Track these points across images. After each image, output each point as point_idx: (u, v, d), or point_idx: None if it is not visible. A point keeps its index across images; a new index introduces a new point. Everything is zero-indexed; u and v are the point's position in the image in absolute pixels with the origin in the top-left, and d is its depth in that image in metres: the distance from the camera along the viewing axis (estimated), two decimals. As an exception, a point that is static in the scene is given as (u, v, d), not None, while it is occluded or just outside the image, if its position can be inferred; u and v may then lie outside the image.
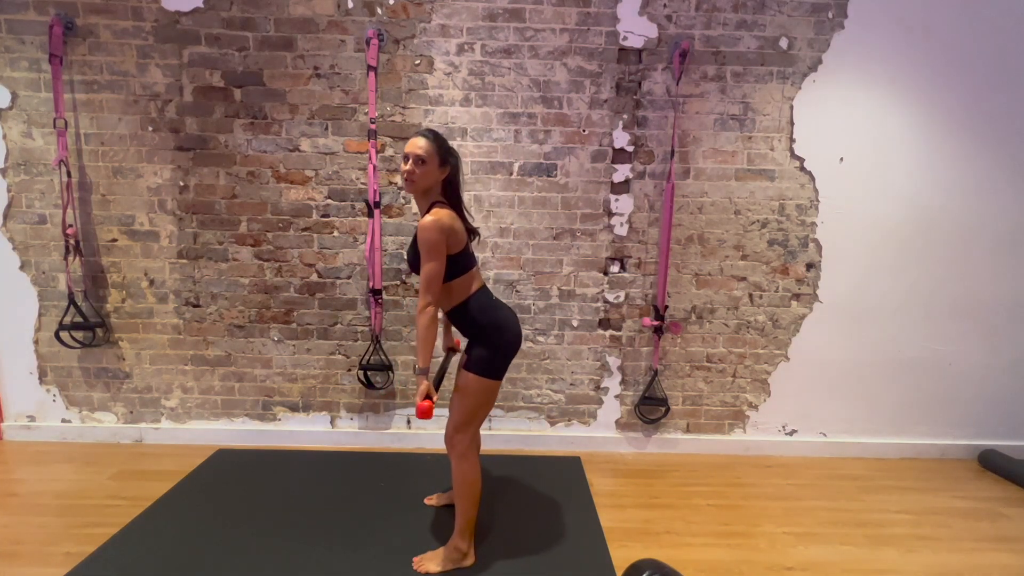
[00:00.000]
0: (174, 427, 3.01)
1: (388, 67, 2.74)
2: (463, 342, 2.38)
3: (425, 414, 1.78)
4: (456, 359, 2.25)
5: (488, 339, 1.91)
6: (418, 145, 1.82)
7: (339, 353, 2.97)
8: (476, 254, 2.85)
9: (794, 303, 2.96)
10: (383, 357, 2.91)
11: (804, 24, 2.74)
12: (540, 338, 2.96)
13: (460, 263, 1.89)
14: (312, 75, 2.74)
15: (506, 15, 2.71)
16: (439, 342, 2.34)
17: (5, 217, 2.81)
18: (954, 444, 3.07)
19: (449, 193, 1.94)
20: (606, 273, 2.93)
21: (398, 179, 2.83)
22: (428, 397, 1.82)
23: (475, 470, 1.94)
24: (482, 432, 2.89)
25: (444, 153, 1.87)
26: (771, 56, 2.76)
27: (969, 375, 3.02)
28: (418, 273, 1.87)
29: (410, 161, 1.83)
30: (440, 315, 2.09)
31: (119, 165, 2.79)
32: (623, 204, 2.87)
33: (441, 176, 1.89)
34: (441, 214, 1.81)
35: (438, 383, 1.97)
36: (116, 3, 2.67)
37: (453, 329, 2.32)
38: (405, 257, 1.99)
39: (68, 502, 2.40)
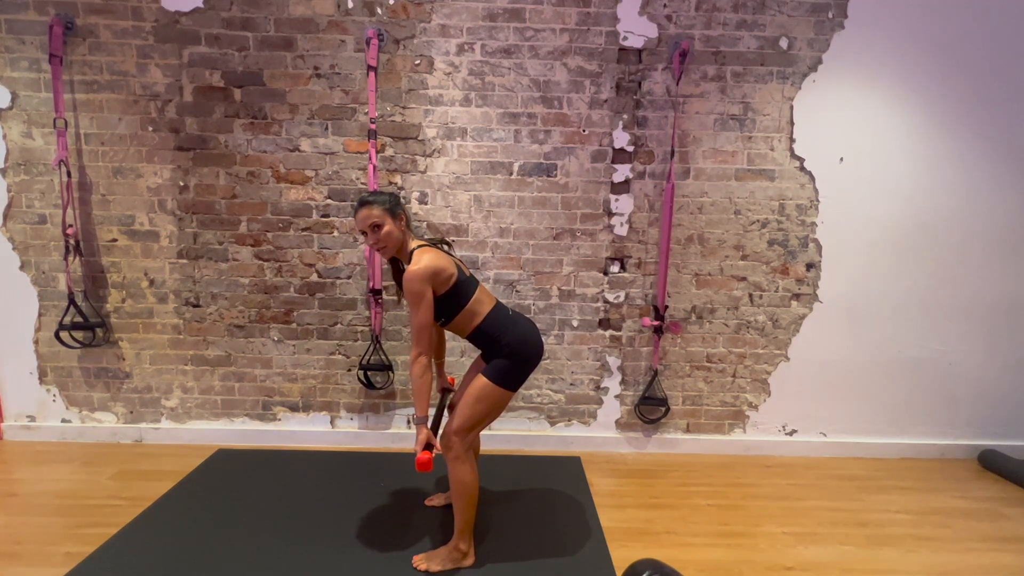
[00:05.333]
0: (174, 427, 3.01)
1: (388, 67, 2.74)
2: (457, 380, 2.38)
3: (425, 467, 1.77)
4: (452, 398, 2.24)
5: (511, 353, 1.92)
6: (369, 214, 1.84)
7: (339, 353, 2.97)
8: (476, 255, 2.88)
9: (794, 303, 2.96)
10: (383, 357, 2.91)
11: (804, 24, 2.74)
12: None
13: (458, 296, 1.89)
14: (312, 75, 2.74)
15: (506, 15, 2.71)
16: (434, 384, 2.31)
17: (5, 217, 2.81)
18: (954, 444, 3.07)
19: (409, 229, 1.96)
20: (606, 273, 2.93)
21: (399, 179, 2.83)
22: (427, 447, 1.81)
23: (471, 472, 1.94)
24: (482, 432, 2.90)
25: (392, 206, 1.87)
26: (771, 56, 2.76)
27: (969, 375, 3.02)
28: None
29: (369, 234, 1.86)
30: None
31: (119, 165, 2.79)
32: (623, 204, 2.87)
33: (402, 226, 1.89)
34: (422, 259, 1.81)
35: (435, 427, 1.96)
36: (116, 3, 2.67)
37: (445, 369, 2.34)
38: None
39: (68, 502, 2.40)
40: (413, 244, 1.90)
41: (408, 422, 3.03)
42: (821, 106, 2.79)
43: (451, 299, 1.88)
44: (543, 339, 2.94)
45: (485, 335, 1.94)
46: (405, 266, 1.88)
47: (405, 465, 2.77)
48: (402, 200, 1.92)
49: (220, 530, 2.20)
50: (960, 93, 2.79)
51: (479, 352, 2.07)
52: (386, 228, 1.85)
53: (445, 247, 2.00)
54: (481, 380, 1.91)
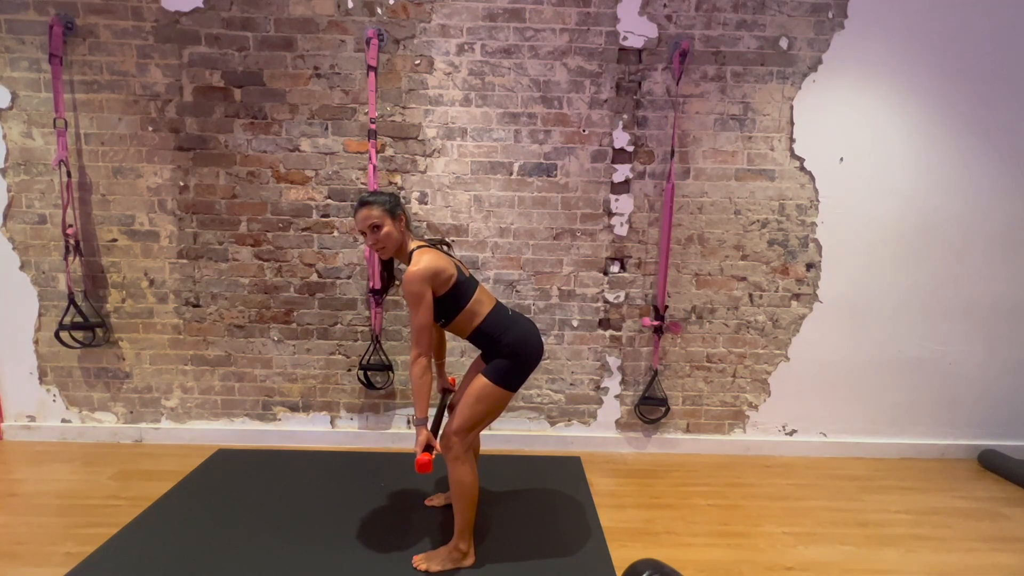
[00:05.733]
0: (174, 427, 3.01)
1: (388, 67, 2.74)
2: (458, 380, 2.39)
3: (424, 468, 1.76)
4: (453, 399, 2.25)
5: (511, 354, 1.92)
6: (369, 215, 1.84)
7: (339, 353, 2.97)
8: (476, 255, 2.88)
9: (794, 303, 2.96)
10: (383, 357, 2.91)
11: (804, 24, 2.74)
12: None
13: (458, 296, 1.89)
14: (312, 75, 2.74)
15: (506, 15, 2.71)
16: (434, 385, 2.30)
17: (5, 217, 2.81)
18: (954, 444, 3.07)
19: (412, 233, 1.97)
20: (606, 273, 2.93)
21: (399, 179, 2.83)
22: (428, 448, 1.81)
23: (471, 472, 1.94)
24: (482, 432, 2.90)
25: (392, 207, 1.87)
26: (771, 56, 2.76)
27: (969, 375, 3.02)
28: None
29: (368, 234, 1.86)
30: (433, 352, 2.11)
31: (119, 165, 2.79)
32: (623, 204, 2.87)
33: (401, 227, 1.89)
34: (421, 261, 1.81)
35: (436, 428, 1.96)
36: (116, 3, 2.67)
37: (446, 369, 2.34)
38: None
39: (68, 502, 2.40)
40: (413, 245, 1.90)
41: (408, 422, 3.03)
42: (821, 106, 2.79)
43: (451, 300, 1.88)
44: (543, 339, 2.95)
45: (485, 335, 1.94)
46: (402, 266, 1.89)
47: (405, 465, 2.77)
48: (402, 201, 1.92)
49: (220, 530, 2.20)
50: (960, 93, 2.79)
51: (479, 352, 2.07)
52: (385, 229, 1.85)
53: (444, 248, 2.00)
54: (481, 380, 1.91)
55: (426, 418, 1.84)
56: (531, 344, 1.95)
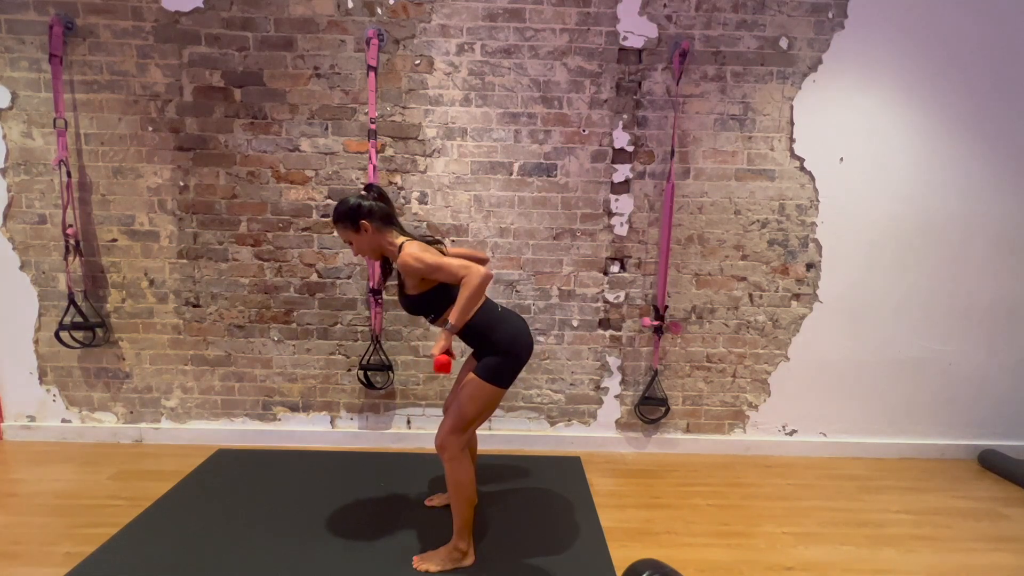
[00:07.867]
0: (174, 427, 3.00)
1: (388, 67, 2.74)
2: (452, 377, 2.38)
3: (444, 368, 1.76)
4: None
5: (500, 350, 1.92)
6: (338, 231, 1.91)
7: (339, 353, 2.97)
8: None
9: (794, 303, 2.96)
10: (383, 357, 2.91)
11: (804, 24, 2.74)
12: (540, 338, 2.96)
13: (447, 288, 1.90)
14: (312, 75, 2.74)
15: (506, 15, 2.71)
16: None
17: (5, 217, 2.81)
18: (954, 444, 3.07)
19: (396, 227, 1.95)
20: (606, 273, 2.93)
21: (399, 179, 2.83)
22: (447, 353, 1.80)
23: (467, 472, 1.94)
24: (481, 432, 2.90)
25: (351, 219, 1.86)
26: (771, 56, 2.76)
27: (969, 375, 3.02)
28: (414, 314, 1.99)
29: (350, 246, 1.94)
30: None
31: (119, 165, 2.79)
32: (623, 204, 2.87)
33: (374, 230, 1.88)
34: (409, 249, 1.81)
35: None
36: (116, 3, 2.67)
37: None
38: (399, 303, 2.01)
39: (68, 502, 2.40)
40: (399, 240, 1.90)
41: (408, 422, 3.03)
42: (821, 106, 2.79)
43: (441, 291, 1.90)
44: (543, 339, 2.96)
45: (475, 331, 1.94)
46: (394, 264, 1.91)
47: (405, 465, 2.78)
48: (364, 203, 1.86)
49: (220, 530, 2.20)
50: (960, 93, 2.79)
51: (471, 351, 2.07)
52: (355, 244, 1.91)
53: (437, 247, 2.01)
54: (473, 379, 1.92)
55: (460, 328, 1.83)
56: (521, 340, 1.96)
